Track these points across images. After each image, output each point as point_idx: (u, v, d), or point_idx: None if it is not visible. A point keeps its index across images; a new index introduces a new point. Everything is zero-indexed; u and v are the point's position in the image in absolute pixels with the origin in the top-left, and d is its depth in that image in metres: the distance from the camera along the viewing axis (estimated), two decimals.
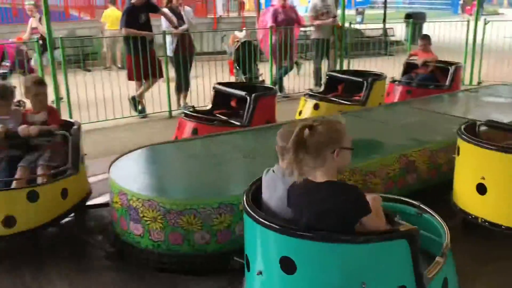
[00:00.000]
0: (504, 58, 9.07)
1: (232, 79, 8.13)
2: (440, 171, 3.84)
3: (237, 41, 7.99)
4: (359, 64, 8.93)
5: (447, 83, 6.39)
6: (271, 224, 1.97)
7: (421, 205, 2.47)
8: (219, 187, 3.15)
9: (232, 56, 8.06)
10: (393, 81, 6.72)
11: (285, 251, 1.94)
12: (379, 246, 1.91)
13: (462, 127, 3.33)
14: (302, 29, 9.09)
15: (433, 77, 6.64)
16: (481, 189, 3.09)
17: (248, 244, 2.18)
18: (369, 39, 12.69)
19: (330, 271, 1.91)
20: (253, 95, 4.75)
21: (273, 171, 2.22)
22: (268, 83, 8.17)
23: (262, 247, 2.08)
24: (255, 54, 8.19)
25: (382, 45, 13.55)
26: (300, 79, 8.33)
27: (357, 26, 13.45)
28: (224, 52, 9.28)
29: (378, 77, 5.81)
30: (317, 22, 8.22)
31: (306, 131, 1.91)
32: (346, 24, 8.66)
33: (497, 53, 9.25)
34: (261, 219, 2.01)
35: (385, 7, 16.48)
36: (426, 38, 7.03)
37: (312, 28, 8.48)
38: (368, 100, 5.51)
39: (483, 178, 3.06)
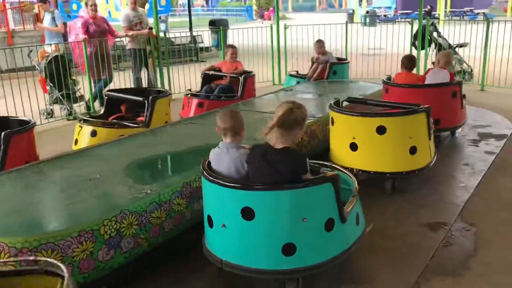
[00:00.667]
0: (305, 58, 10.15)
1: (47, 97, 7.46)
2: None
3: (47, 56, 7.34)
4: (177, 71, 9.10)
5: (238, 93, 6.32)
6: (234, 184, 2.67)
7: (332, 165, 3.35)
8: (75, 213, 2.90)
9: (42, 73, 7.38)
10: (186, 94, 6.51)
11: (246, 203, 2.61)
12: (313, 189, 2.65)
13: (332, 103, 4.31)
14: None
15: (232, 88, 6.49)
16: (354, 146, 4.09)
17: (210, 206, 2.83)
18: (180, 47, 12.92)
19: (280, 212, 2.61)
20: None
21: (218, 147, 2.92)
22: (87, 97, 7.75)
23: (225, 204, 2.71)
24: (69, 68, 7.66)
25: (193, 52, 13.97)
26: None
27: (171, 35, 13.59)
28: (28, 68, 8.41)
29: (161, 94, 5.44)
30: (131, 32, 8.06)
31: (287, 113, 2.64)
32: (161, 33, 8.70)
33: (299, 54, 10.31)
34: (224, 182, 2.67)
35: (189, 15, 16.94)
36: (233, 47, 6.91)
37: (127, 39, 8.28)
38: (152, 121, 5.01)
39: (354, 138, 4.06)
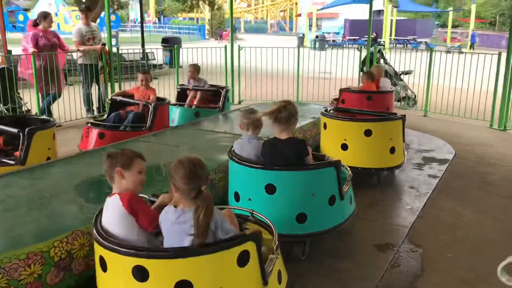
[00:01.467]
0: (258, 79, 10.31)
1: None
2: None
3: None
4: (130, 87, 8.95)
5: (147, 124, 5.60)
6: (260, 165, 3.38)
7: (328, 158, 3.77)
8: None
9: None
10: (88, 122, 5.74)
11: (269, 180, 3.32)
12: (320, 171, 3.42)
13: (323, 110, 5.26)
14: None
15: (144, 116, 5.74)
16: (344, 147, 4.88)
17: (237, 184, 3.55)
18: (132, 63, 12.76)
19: (296, 188, 3.33)
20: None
21: (241, 139, 3.67)
22: (35, 112, 7.49)
23: (251, 182, 3.42)
24: (15, 81, 7.39)
25: (145, 68, 13.82)
26: (71, 106, 7.86)
27: (124, 50, 13.40)
28: None
29: (43, 125, 4.77)
30: (84, 47, 7.90)
31: (282, 109, 3.32)
32: (113, 49, 8.58)
33: (252, 75, 10.45)
34: (252, 164, 3.40)
35: (142, 31, 16.80)
36: (144, 73, 6.10)
37: (78, 54, 8.10)
38: (28, 157, 4.34)
39: (345, 140, 4.89)
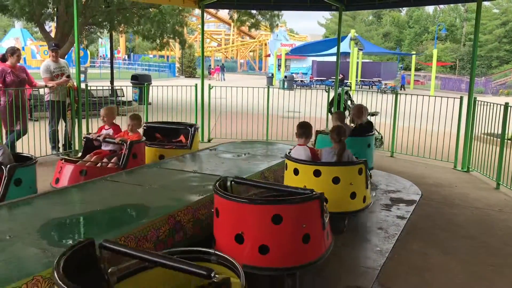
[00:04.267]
0: (228, 117, 10.37)
1: None
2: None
3: None
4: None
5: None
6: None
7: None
8: None
9: None
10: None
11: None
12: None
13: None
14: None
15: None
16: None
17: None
18: (99, 99, 12.64)
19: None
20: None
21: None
22: None
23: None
24: None
25: (113, 105, 13.72)
26: (36, 143, 7.67)
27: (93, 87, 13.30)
28: None
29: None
30: (51, 83, 7.80)
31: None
32: (82, 85, 8.49)
33: (222, 113, 10.51)
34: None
35: (111, 68, 16.77)
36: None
37: (46, 90, 7.97)
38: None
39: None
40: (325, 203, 3.64)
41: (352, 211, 4.76)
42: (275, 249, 3.27)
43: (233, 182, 3.86)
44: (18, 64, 7.53)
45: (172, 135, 7.16)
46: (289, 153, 4.99)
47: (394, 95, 9.20)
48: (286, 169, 4.91)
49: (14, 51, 7.39)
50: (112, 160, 5.67)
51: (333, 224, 4.65)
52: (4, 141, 7.19)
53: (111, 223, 3.59)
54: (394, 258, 4.36)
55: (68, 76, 8.14)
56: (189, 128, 7.00)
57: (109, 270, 2.43)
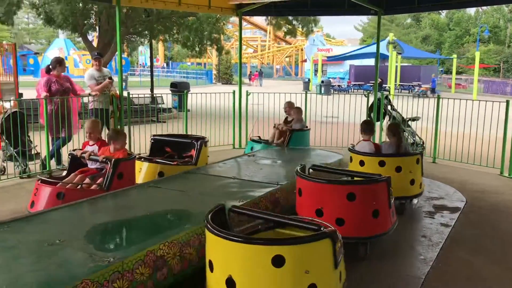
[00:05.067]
0: (265, 123, 10.38)
1: (1, 153, 7.21)
2: None
3: (5, 111, 7.16)
4: (139, 131, 9.06)
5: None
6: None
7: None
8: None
9: None
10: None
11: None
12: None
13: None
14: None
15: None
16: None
17: None
18: (142, 107, 12.95)
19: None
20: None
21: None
22: (44, 154, 7.52)
23: None
24: (26, 125, 7.48)
25: (152, 112, 14.02)
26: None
27: (134, 95, 13.64)
28: None
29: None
30: (96, 88, 8.08)
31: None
32: (124, 93, 8.70)
33: (259, 119, 10.53)
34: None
35: (151, 76, 17.14)
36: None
37: (90, 99, 8.23)
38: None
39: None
40: (391, 187, 4.30)
41: (411, 195, 5.62)
42: (349, 221, 4.04)
43: (311, 170, 4.66)
44: (63, 73, 7.80)
45: (182, 149, 6.51)
46: (353, 147, 5.82)
47: (436, 99, 8.98)
48: (351, 162, 5.70)
49: (59, 61, 7.67)
50: (98, 181, 5.03)
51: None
52: (50, 147, 7.45)
53: (156, 229, 3.65)
54: (438, 267, 4.24)
55: (110, 78, 8.38)
56: (195, 142, 6.19)
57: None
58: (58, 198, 4.64)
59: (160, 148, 6.55)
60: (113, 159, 5.02)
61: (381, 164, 5.41)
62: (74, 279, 2.66)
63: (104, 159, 5.09)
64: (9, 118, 7.09)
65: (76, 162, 5.36)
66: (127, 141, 6.12)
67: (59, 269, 2.84)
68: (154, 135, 6.77)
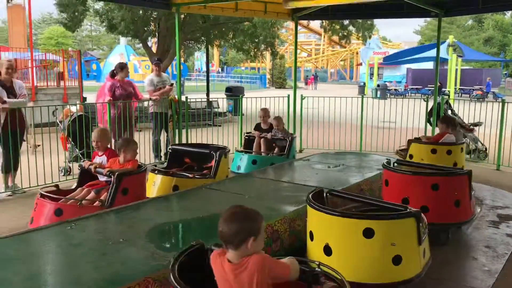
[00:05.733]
0: (320, 127, 10.34)
1: (67, 154, 7.59)
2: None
3: (71, 114, 7.54)
4: (196, 134, 9.27)
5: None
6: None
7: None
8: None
9: (65, 131, 7.54)
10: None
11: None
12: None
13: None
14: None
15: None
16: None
17: None
18: (199, 111, 13.22)
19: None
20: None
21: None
22: None
23: None
24: (91, 127, 7.83)
25: (208, 116, 14.28)
26: (140, 152, 8.16)
27: (192, 99, 13.99)
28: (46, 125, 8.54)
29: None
30: (156, 93, 8.35)
31: None
32: (182, 97, 8.94)
33: (313, 124, 10.49)
34: None
35: (207, 81, 17.46)
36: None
37: (150, 103, 8.52)
38: None
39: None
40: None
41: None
42: (433, 209, 4.40)
43: (395, 164, 5.06)
44: (126, 78, 8.11)
45: (203, 160, 6.02)
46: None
47: (500, 104, 8.59)
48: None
49: (123, 67, 7.99)
50: (102, 196, 4.61)
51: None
52: None
53: (211, 229, 3.72)
54: (505, 279, 4.04)
55: (171, 85, 8.65)
56: (214, 153, 5.69)
57: None
58: (56, 214, 4.31)
59: (179, 158, 6.08)
60: (116, 173, 4.54)
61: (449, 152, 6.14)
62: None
63: (108, 173, 4.59)
64: (75, 121, 7.45)
65: (87, 175, 4.93)
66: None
67: (121, 266, 2.97)
68: (172, 145, 6.48)
